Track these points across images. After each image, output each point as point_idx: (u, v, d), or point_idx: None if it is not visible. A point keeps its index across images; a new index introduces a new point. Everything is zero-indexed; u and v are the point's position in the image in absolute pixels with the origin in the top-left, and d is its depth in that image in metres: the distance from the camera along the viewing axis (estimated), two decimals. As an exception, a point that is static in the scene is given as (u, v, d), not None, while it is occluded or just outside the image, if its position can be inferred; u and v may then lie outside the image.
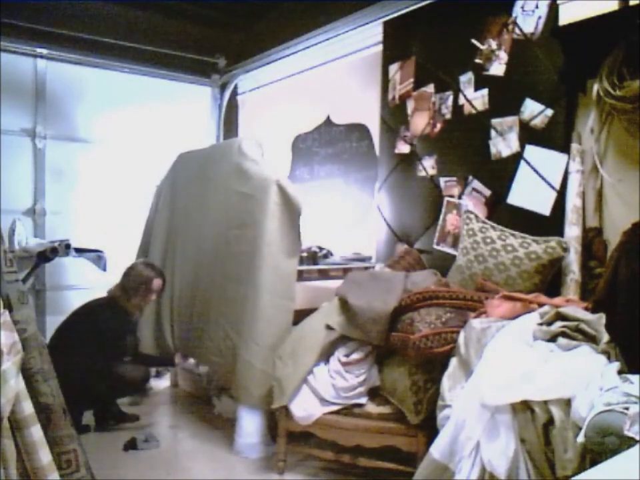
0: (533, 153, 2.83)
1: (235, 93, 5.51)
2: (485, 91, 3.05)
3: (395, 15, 3.63)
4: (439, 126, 3.32)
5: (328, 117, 4.41)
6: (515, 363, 1.92)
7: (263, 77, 5.09)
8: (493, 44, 3.01)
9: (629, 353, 1.97)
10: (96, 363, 3.20)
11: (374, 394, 2.65)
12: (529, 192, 2.83)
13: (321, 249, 3.79)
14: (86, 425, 3.30)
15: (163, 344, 3.91)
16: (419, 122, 3.43)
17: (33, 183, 4.66)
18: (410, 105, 3.50)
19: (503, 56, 2.96)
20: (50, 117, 4.72)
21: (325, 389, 2.64)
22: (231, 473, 2.83)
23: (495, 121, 2.99)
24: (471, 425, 1.90)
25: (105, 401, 3.39)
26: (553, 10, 2.72)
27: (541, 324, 2.11)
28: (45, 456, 1.62)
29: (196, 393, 4.02)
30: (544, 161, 2.79)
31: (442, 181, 3.29)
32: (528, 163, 2.84)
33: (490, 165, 3.02)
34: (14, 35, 4.42)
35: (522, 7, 2.88)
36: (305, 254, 3.52)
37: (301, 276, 3.32)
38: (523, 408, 1.82)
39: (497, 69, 3.00)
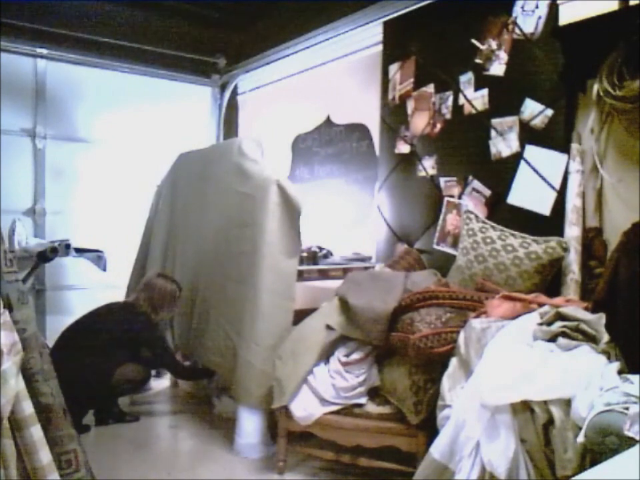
0: (533, 152, 2.83)
1: (235, 93, 5.51)
2: (485, 91, 3.05)
3: (395, 15, 3.63)
4: (438, 126, 3.32)
5: (328, 117, 4.41)
6: (515, 363, 1.92)
7: (263, 76, 5.09)
8: (493, 44, 3.01)
9: (629, 353, 1.97)
10: (111, 364, 3.24)
11: (374, 394, 2.65)
12: (529, 192, 2.83)
13: (321, 249, 3.79)
14: (86, 425, 3.30)
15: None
16: (419, 122, 3.43)
17: (33, 182, 4.66)
18: (410, 105, 3.50)
19: (503, 56, 2.97)
20: (50, 117, 4.72)
21: (324, 389, 2.63)
22: (231, 473, 2.83)
23: (495, 121, 2.99)
24: (471, 425, 1.90)
25: (107, 400, 3.40)
26: (553, 10, 2.73)
27: (541, 324, 2.11)
28: (45, 456, 1.62)
29: (196, 393, 4.02)
30: (544, 160, 2.79)
31: (442, 180, 3.29)
32: (528, 163, 2.84)
33: (490, 165, 3.02)
34: (14, 35, 4.42)
35: (522, 7, 2.88)
36: (305, 254, 3.52)
37: (301, 276, 3.32)
38: (523, 408, 1.82)
39: (497, 68, 3.00)
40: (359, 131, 4.11)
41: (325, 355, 2.73)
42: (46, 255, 3.79)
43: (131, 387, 3.44)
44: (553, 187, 2.74)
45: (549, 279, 2.63)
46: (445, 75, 3.28)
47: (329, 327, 2.76)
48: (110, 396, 3.36)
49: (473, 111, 3.11)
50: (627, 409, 1.53)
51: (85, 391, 3.00)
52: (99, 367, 3.18)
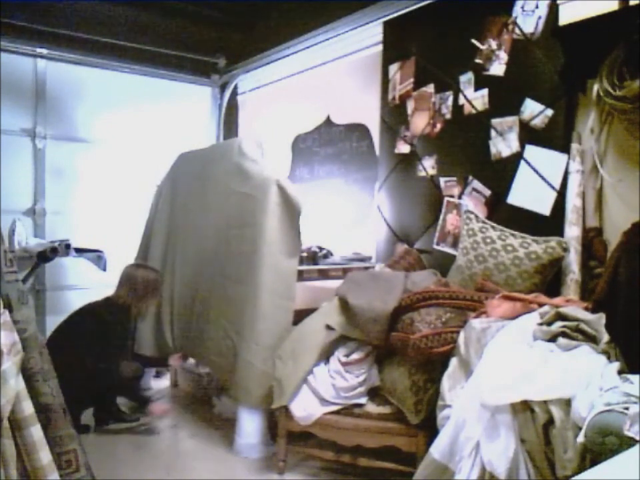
0: (533, 152, 2.83)
1: (235, 93, 5.51)
2: (485, 91, 3.05)
3: (395, 14, 3.63)
4: (438, 126, 3.32)
5: (328, 117, 4.41)
6: (515, 363, 1.92)
7: (263, 76, 5.09)
8: (493, 44, 3.01)
9: (629, 353, 1.97)
10: (96, 362, 3.21)
11: (374, 394, 2.65)
12: (529, 192, 2.83)
13: (321, 249, 3.79)
14: (86, 425, 3.30)
15: (163, 344, 3.91)
16: (419, 122, 3.43)
17: (33, 182, 4.66)
18: (410, 105, 3.50)
19: (503, 56, 2.96)
20: (50, 117, 4.72)
21: (325, 388, 2.64)
22: (231, 473, 2.83)
23: (495, 121, 2.99)
24: (471, 425, 1.90)
25: (100, 399, 3.40)
26: (553, 10, 2.72)
27: (541, 324, 2.11)
28: (45, 456, 1.63)
29: (196, 393, 4.02)
30: (544, 160, 2.79)
31: (442, 180, 3.29)
32: (528, 163, 2.84)
33: (490, 165, 3.02)
34: (14, 35, 4.42)
35: (522, 7, 2.88)
36: (305, 254, 3.52)
37: (301, 276, 3.32)
38: (523, 408, 1.82)
39: (497, 68, 3.00)
40: (359, 131, 4.10)
41: (325, 355, 2.73)
42: (46, 255, 3.79)
43: (126, 385, 3.43)
44: (553, 187, 2.74)
45: (549, 279, 2.63)
46: (445, 75, 3.28)
47: (329, 327, 2.76)
48: (101, 394, 3.34)
49: (473, 111, 3.11)
50: (627, 408, 1.53)
51: (74, 392, 2.99)
52: (86, 366, 3.14)
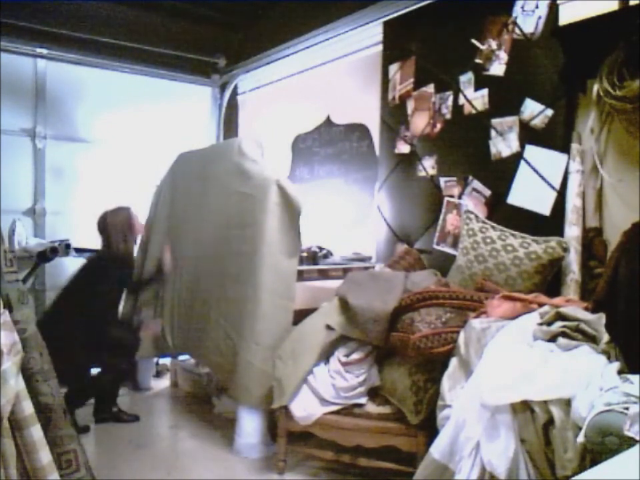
0: (533, 152, 2.83)
1: (235, 93, 5.51)
2: (485, 91, 3.05)
3: (395, 15, 3.63)
4: (438, 126, 3.32)
5: (328, 117, 4.41)
6: (515, 363, 1.92)
7: (263, 76, 5.08)
8: (493, 44, 3.01)
9: (629, 353, 1.97)
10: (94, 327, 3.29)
11: (374, 394, 2.65)
12: (529, 192, 2.83)
13: (321, 249, 3.79)
14: (86, 425, 3.30)
15: (163, 343, 3.91)
16: (419, 122, 3.43)
17: (33, 183, 4.66)
18: (410, 105, 3.50)
19: (503, 56, 2.97)
20: (50, 117, 4.72)
21: (325, 389, 2.64)
22: (231, 473, 2.83)
23: (495, 121, 2.99)
24: (471, 425, 1.90)
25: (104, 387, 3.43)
26: (553, 10, 2.73)
27: (541, 324, 2.11)
28: (45, 456, 1.63)
29: (196, 393, 4.02)
30: (544, 160, 2.79)
31: (442, 180, 3.29)
32: (528, 163, 2.84)
33: (490, 165, 3.02)
34: (14, 35, 4.42)
35: (522, 7, 2.88)
36: (305, 254, 3.52)
37: (301, 276, 3.32)
38: (523, 408, 1.82)
39: (497, 68, 3.00)
40: (359, 131, 4.10)
41: (325, 355, 2.73)
42: (46, 255, 3.79)
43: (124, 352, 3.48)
44: (553, 187, 2.74)
45: (549, 279, 2.63)
46: (444, 75, 3.28)
47: (329, 327, 2.76)
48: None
49: (473, 111, 3.11)
50: (627, 408, 1.53)
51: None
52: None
